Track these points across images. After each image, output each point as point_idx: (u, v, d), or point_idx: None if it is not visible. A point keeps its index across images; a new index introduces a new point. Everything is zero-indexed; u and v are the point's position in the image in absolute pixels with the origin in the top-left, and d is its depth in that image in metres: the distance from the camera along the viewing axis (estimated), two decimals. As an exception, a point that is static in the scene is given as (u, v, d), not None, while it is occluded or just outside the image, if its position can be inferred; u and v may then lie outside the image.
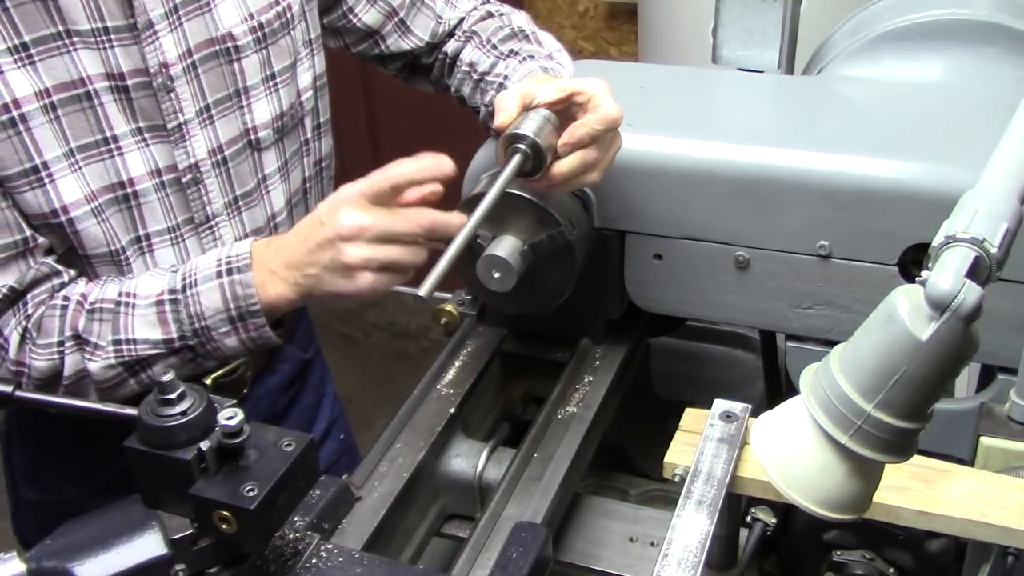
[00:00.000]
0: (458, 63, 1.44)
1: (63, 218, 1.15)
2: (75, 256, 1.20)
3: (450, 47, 1.46)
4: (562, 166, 1.10)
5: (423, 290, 0.94)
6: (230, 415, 0.78)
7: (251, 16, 1.24)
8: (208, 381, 1.35)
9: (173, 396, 0.77)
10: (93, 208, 1.16)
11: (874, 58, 1.42)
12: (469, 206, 1.06)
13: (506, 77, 1.33)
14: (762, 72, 1.50)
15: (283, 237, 1.15)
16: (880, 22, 1.44)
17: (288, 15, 1.29)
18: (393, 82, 1.61)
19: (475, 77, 1.39)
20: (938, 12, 1.39)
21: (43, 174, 1.12)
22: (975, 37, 1.37)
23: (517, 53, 1.37)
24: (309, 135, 1.39)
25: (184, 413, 0.77)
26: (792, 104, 1.39)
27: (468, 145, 1.34)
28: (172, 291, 1.15)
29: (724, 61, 1.53)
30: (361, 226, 1.06)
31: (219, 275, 1.14)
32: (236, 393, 1.41)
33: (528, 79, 1.23)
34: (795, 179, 1.15)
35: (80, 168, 1.15)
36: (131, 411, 0.80)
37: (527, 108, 1.10)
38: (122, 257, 1.20)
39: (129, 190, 1.19)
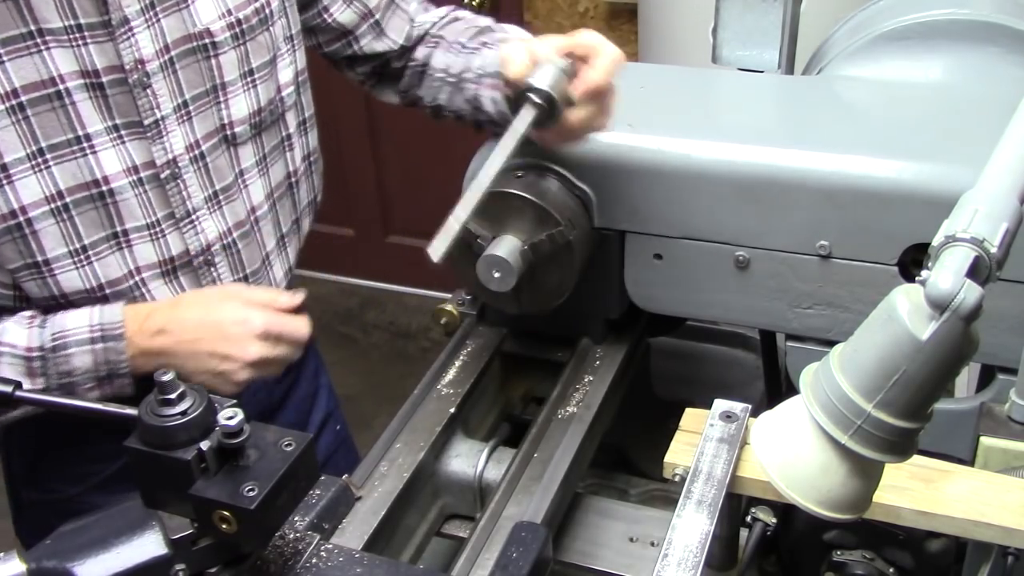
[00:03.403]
0: (430, 71, 1.45)
1: (21, 219, 1.15)
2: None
3: (420, 53, 1.47)
4: (578, 113, 1.11)
5: (436, 254, 0.97)
6: (230, 415, 0.78)
7: (229, 12, 1.25)
8: None
9: (173, 396, 0.77)
10: (54, 208, 1.17)
11: (874, 58, 1.42)
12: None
13: (480, 66, 1.34)
14: (762, 72, 1.50)
15: (164, 319, 1.19)
16: (880, 22, 1.44)
17: (267, 11, 1.30)
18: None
19: (451, 80, 1.41)
20: (938, 12, 1.39)
21: (1, 177, 1.13)
22: (975, 37, 1.37)
23: (488, 44, 1.38)
24: (292, 130, 1.40)
25: (184, 413, 0.77)
26: (792, 104, 1.39)
27: (467, 145, 1.34)
28: (42, 349, 1.17)
29: (724, 61, 1.53)
30: (267, 360, 1.19)
31: (92, 341, 1.17)
32: None
33: (523, 40, 1.23)
34: (795, 179, 1.15)
35: (49, 167, 1.16)
36: (131, 411, 0.80)
37: (535, 61, 1.10)
38: (82, 257, 1.21)
39: (105, 188, 1.19)
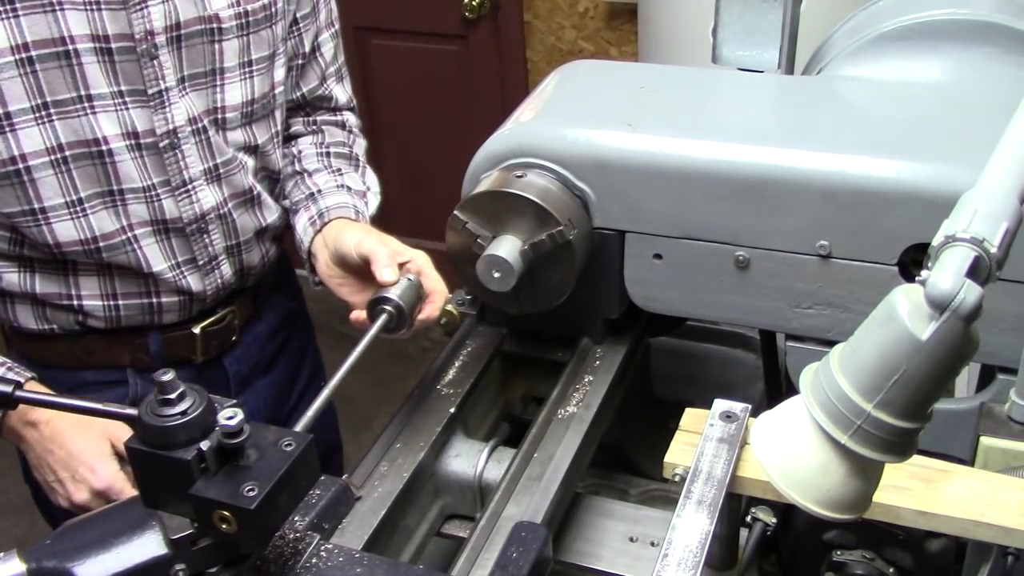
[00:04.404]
0: (291, 143, 1.54)
1: (20, 165, 1.23)
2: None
3: (294, 124, 1.55)
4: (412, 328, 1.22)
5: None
6: (230, 415, 0.78)
7: (238, 3, 1.31)
8: (197, 330, 1.45)
9: (173, 396, 0.77)
10: (53, 160, 1.24)
11: (874, 58, 1.42)
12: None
13: (319, 191, 1.45)
14: (762, 72, 1.50)
15: (46, 416, 1.26)
16: (880, 22, 1.44)
17: (273, 9, 1.36)
18: (392, 82, 1.63)
19: (297, 168, 1.51)
20: (938, 12, 1.39)
21: (4, 124, 1.20)
22: (975, 37, 1.37)
23: (340, 174, 1.49)
24: (279, 127, 1.46)
25: (184, 413, 0.77)
26: (792, 104, 1.39)
27: (467, 145, 1.35)
28: None
29: (724, 61, 1.53)
30: (91, 511, 1.24)
31: None
32: (226, 340, 1.51)
33: (374, 237, 1.29)
34: (795, 179, 1.15)
35: (52, 121, 1.22)
36: (131, 411, 0.80)
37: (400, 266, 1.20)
38: (77, 209, 1.28)
39: (104, 147, 1.26)
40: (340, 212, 1.41)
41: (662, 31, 2.67)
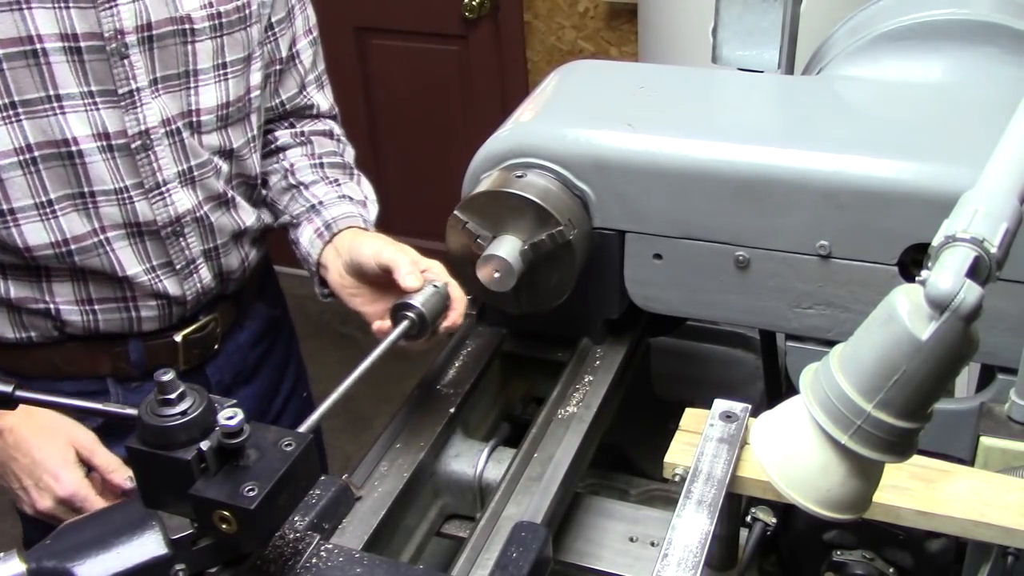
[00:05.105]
0: (280, 156, 1.51)
1: None
2: None
3: (280, 136, 1.52)
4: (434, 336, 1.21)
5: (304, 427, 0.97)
6: (230, 415, 0.78)
7: (210, 4, 1.30)
8: (179, 338, 1.43)
9: (173, 396, 0.77)
10: (22, 160, 1.22)
11: (874, 58, 1.42)
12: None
13: (320, 203, 1.43)
14: (762, 72, 1.50)
15: (8, 423, 1.25)
16: (880, 22, 1.44)
17: (247, 12, 1.35)
18: (393, 83, 1.63)
19: (291, 181, 1.48)
20: (938, 12, 1.39)
21: None
22: (975, 37, 1.37)
23: (338, 184, 1.47)
24: (256, 132, 1.44)
25: (184, 413, 0.77)
26: (792, 104, 1.39)
27: (467, 145, 1.35)
28: None
29: (724, 61, 1.53)
30: (56, 519, 1.23)
31: None
32: (208, 348, 1.49)
33: (392, 246, 1.27)
34: (795, 179, 1.15)
35: (20, 121, 1.21)
36: (131, 411, 0.80)
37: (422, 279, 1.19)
38: (47, 211, 1.26)
39: (74, 148, 1.24)
40: (349, 221, 1.40)
41: (662, 31, 2.68)
